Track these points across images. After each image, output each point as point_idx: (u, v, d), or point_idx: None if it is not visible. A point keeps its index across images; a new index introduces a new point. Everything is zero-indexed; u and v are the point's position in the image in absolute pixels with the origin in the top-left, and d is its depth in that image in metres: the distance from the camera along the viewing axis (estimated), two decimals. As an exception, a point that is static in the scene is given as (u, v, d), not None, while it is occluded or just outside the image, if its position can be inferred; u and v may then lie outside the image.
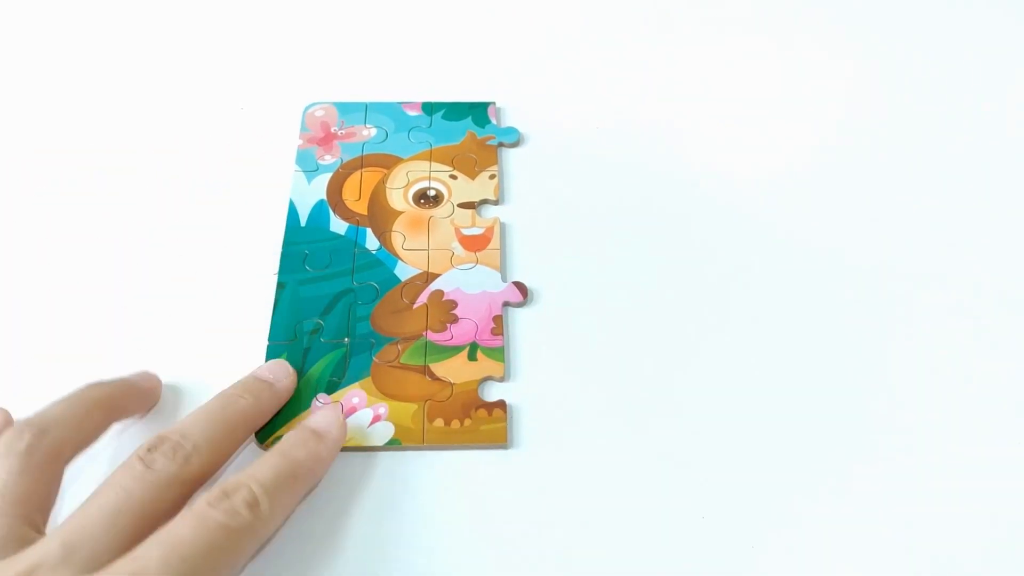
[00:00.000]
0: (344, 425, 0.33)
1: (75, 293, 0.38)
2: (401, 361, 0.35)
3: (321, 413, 0.33)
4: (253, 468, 0.29)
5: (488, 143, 0.43)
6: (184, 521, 0.27)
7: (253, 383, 0.33)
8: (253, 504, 0.28)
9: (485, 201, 0.41)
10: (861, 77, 0.48)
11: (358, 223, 0.40)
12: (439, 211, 0.40)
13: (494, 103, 0.45)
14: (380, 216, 0.40)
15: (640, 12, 0.51)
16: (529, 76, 0.47)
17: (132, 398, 0.33)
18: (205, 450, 0.30)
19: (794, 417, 0.35)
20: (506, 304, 0.37)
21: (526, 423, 0.34)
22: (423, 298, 0.37)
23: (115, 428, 0.33)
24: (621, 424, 0.34)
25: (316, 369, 0.35)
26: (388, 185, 0.41)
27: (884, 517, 0.32)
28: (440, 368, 0.35)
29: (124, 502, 0.27)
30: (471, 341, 0.36)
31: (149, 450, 0.29)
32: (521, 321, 0.37)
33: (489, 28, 0.50)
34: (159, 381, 0.35)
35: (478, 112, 0.45)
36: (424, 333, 0.36)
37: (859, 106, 0.46)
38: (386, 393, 0.34)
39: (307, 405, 0.34)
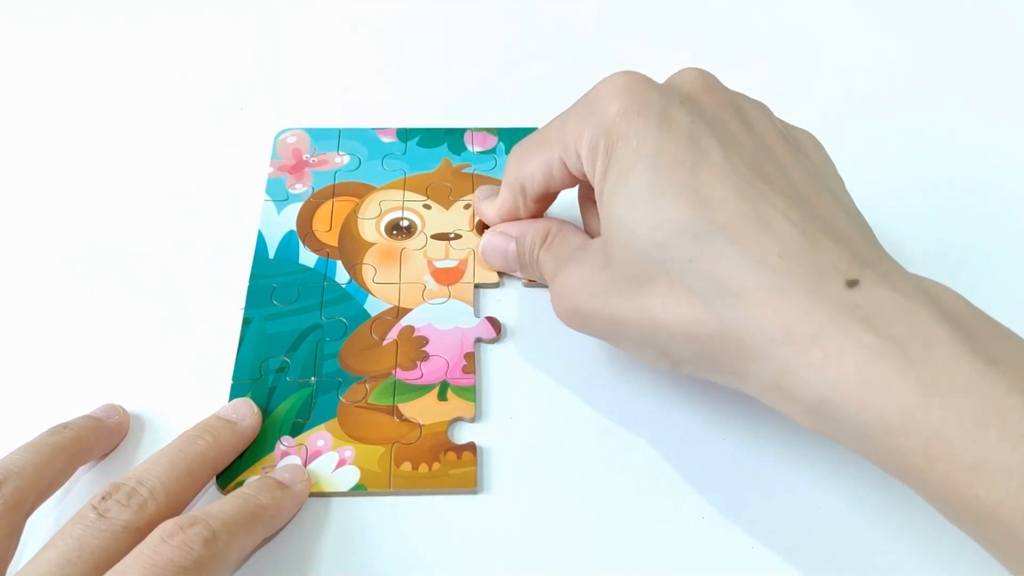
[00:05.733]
0: (309, 481, 0.32)
1: (33, 327, 0.37)
2: (369, 401, 0.34)
3: (286, 468, 0.32)
4: (212, 506, 0.29)
5: (464, 171, 0.42)
6: (133, 561, 0.26)
7: (214, 423, 0.32)
8: (210, 540, 0.27)
9: (460, 232, 0.40)
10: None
11: (328, 255, 0.39)
12: (412, 243, 0.39)
13: (470, 129, 0.44)
14: (351, 248, 0.39)
15: (607, 31, 0.50)
16: (503, 103, 0.46)
17: (98, 439, 0.32)
18: (162, 495, 0.29)
19: (781, 439, 0.34)
20: (478, 340, 0.36)
21: (497, 466, 0.33)
22: (393, 334, 0.36)
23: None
24: (597, 467, 0.33)
25: (281, 410, 0.34)
26: (360, 215, 0.40)
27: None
28: (409, 408, 0.34)
29: (75, 552, 0.27)
30: (442, 380, 0.35)
31: (103, 498, 0.28)
32: (494, 358, 0.36)
33: (466, 53, 0.49)
34: (126, 414, 0.34)
35: (454, 139, 0.44)
36: (393, 371, 0.35)
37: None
38: (352, 435, 0.33)
39: (271, 448, 0.33)
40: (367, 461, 0.33)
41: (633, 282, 0.29)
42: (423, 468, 0.33)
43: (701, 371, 0.29)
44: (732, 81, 0.33)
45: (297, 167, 0.42)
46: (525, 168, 0.35)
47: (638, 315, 0.29)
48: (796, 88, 0.47)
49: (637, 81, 0.31)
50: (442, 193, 0.41)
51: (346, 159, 0.43)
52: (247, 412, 0.33)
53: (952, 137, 0.45)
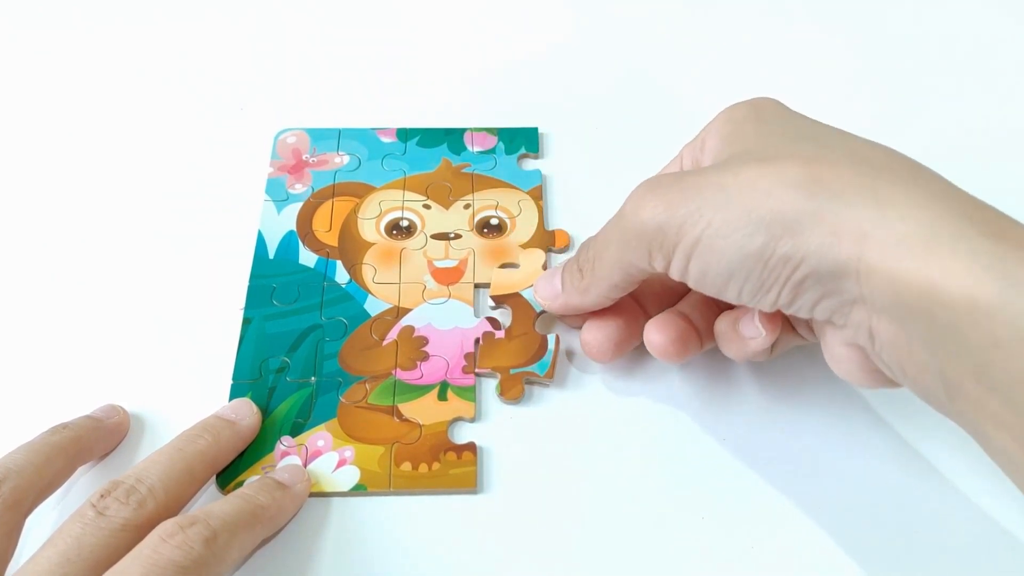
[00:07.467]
0: (309, 482, 0.32)
1: (34, 326, 0.37)
2: (369, 401, 0.34)
3: (286, 468, 0.32)
4: (212, 505, 0.29)
5: (464, 171, 0.42)
6: (133, 561, 0.26)
7: (213, 422, 0.32)
8: (210, 539, 0.27)
9: (460, 232, 0.40)
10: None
11: (328, 255, 0.39)
12: (411, 242, 0.39)
13: (470, 129, 0.44)
14: (351, 248, 0.39)
15: (610, 26, 0.50)
16: (503, 103, 0.46)
17: (97, 439, 0.33)
18: (161, 493, 0.29)
19: (780, 440, 0.34)
20: (479, 340, 0.36)
21: (497, 466, 0.33)
22: (393, 334, 0.36)
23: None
24: (597, 467, 0.33)
25: (281, 410, 0.34)
26: (360, 215, 0.40)
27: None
28: (409, 408, 0.34)
29: (74, 551, 0.27)
30: (441, 380, 0.35)
31: (102, 496, 0.28)
32: (494, 358, 0.36)
33: (466, 53, 0.49)
34: (126, 414, 0.34)
35: (454, 139, 0.44)
36: (393, 371, 0.35)
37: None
38: (352, 435, 0.33)
39: (271, 448, 0.33)
40: (367, 461, 0.33)
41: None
42: (423, 468, 0.33)
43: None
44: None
45: (297, 167, 0.42)
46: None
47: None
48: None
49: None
50: (442, 193, 0.41)
51: (346, 159, 0.43)
52: (247, 412, 0.33)
53: None
